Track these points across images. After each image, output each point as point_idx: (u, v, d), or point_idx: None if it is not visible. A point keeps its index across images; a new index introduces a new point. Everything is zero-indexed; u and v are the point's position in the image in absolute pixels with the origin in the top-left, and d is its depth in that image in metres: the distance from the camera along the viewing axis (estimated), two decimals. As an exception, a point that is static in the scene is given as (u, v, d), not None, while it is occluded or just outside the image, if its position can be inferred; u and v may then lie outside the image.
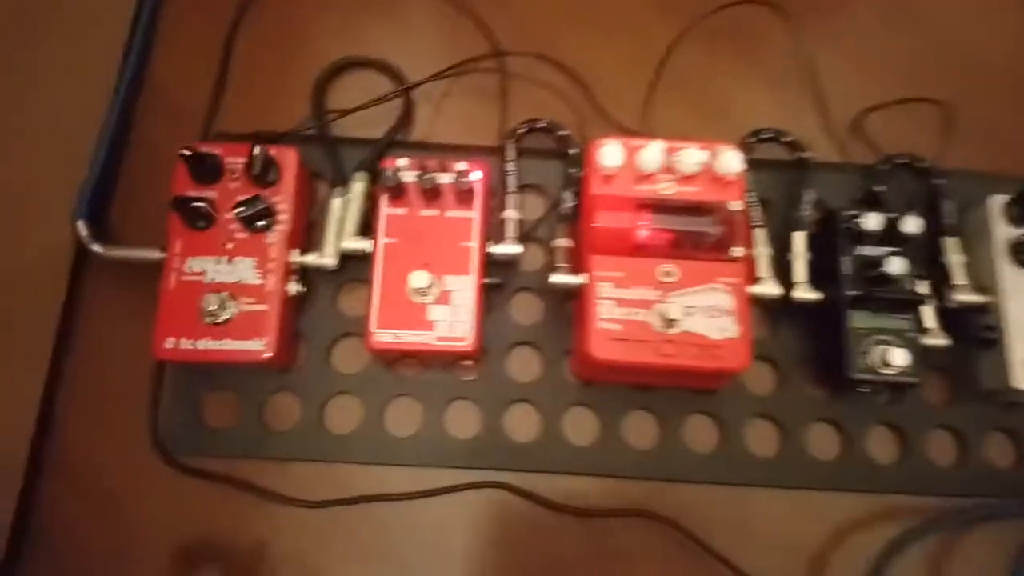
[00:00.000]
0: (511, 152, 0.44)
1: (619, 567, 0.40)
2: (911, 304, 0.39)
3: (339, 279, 0.43)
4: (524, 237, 0.43)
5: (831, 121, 0.46)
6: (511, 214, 0.42)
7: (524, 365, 0.43)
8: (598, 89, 0.47)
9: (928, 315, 0.40)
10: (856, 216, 0.39)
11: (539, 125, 0.45)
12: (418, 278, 0.38)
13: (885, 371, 0.38)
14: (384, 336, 0.39)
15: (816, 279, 0.40)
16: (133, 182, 0.45)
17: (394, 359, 0.42)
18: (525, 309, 0.44)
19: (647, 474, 0.41)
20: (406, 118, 0.47)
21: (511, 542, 0.40)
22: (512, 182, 0.43)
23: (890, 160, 0.44)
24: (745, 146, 0.43)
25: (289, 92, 0.46)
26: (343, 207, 0.43)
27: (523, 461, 0.41)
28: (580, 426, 0.42)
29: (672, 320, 0.37)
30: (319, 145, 0.45)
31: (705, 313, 0.37)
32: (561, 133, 0.44)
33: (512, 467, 0.41)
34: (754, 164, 0.43)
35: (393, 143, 0.45)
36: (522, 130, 0.44)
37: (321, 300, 0.43)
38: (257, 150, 0.41)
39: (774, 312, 0.43)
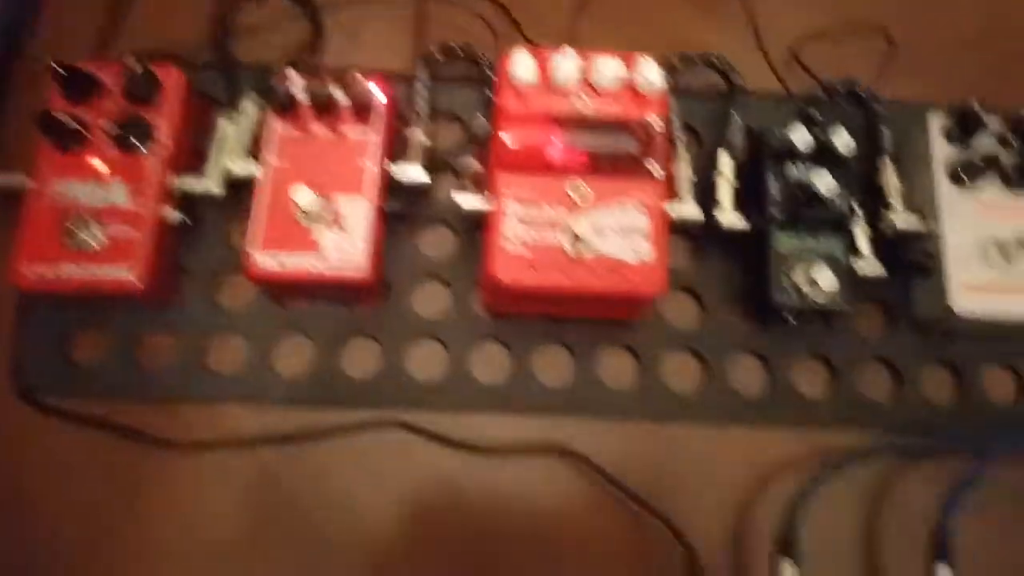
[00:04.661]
0: (422, 71, 0.40)
1: (528, 507, 0.37)
2: (841, 226, 0.36)
3: (229, 211, 0.39)
4: (435, 166, 0.39)
5: (767, 49, 0.43)
6: (416, 135, 0.38)
7: (431, 300, 0.39)
8: (520, 13, 0.43)
9: (862, 241, 0.37)
10: (784, 134, 0.36)
11: (454, 46, 0.41)
12: (303, 194, 0.34)
13: (811, 295, 0.35)
14: (266, 261, 0.35)
15: (745, 208, 0.38)
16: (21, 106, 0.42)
17: (283, 293, 0.38)
18: (436, 242, 0.40)
19: (561, 411, 0.38)
20: (314, 41, 0.43)
21: (412, 485, 0.37)
22: (422, 104, 0.39)
23: (827, 89, 0.41)
24: (671, 68, 0.40)
25: (193, 14, 0.43)
26: (230, 130, 0.39)
27: (428, 400, 0.38)
28: (490, 363, 0.39)
29: (581, 239, 0.34)
30: (218, 69, 0.41)
31: (619, 234, 0.34)
32: (478, 57, 0.41)
33: (415, 406, 0.38)
34: (684, 93, 0.40)
35: (297, 67, 0.41)
36: (436, 53, 0.41)
37: (209, 233, 0.39)
38: (132, 64, 0.37)
39: (699, 242, 0.40)
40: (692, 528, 0.35)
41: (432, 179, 0.39)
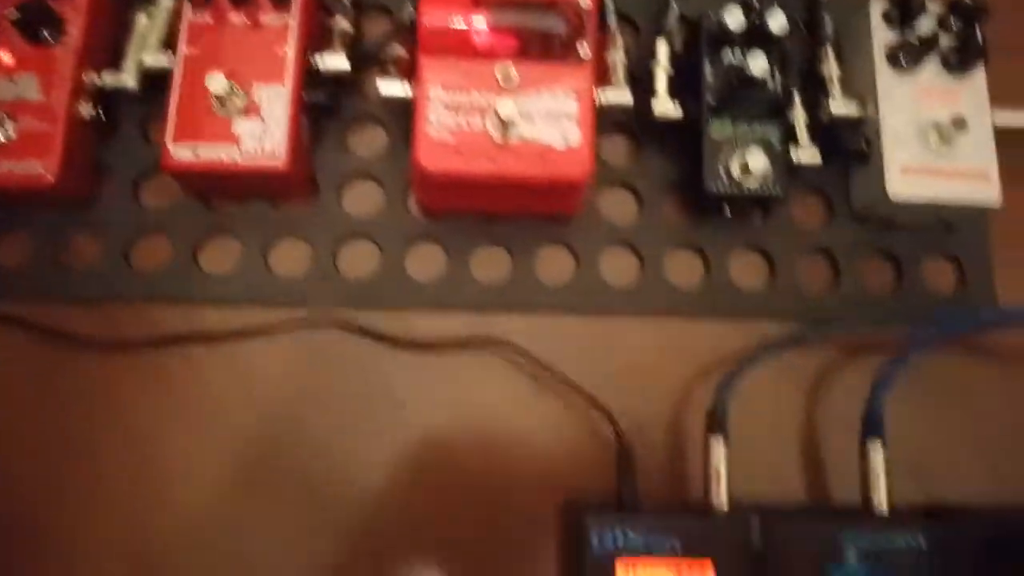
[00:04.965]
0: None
1: (462, 397, 0.36)
2: (777, 112, 0.35)
3: (154, 108, 0.37)
4: (364, 59, 0.38)
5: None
6: (340, 23, 0.37)
7: (363, 200, 0.38)
8: None
9: (800, 128, 0.36)
10: (718, 17, 0.35)
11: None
12: (215, 81, 0.33)
13: (743, 181, 0.35)
14: (181, 153, 0.34)
15: (682, 97, 0.36)
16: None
17: (202, 188, 0.37)
18: (367, 141, 0.39)
19: (497, 308, 0.37)
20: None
21: (348, 383, 0.36)
22: (346, -13, 0.38)
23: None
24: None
25: None
26: (147, 23, 0.37)
27: (361, 299, 0.37)
28: (425, 262, 0.38)
29: (508, 123, 0.32)
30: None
31: (547, 119, 0.33)
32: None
33: (347, 304, 0.37)
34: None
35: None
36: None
37: (128, 130, 0.38)
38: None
39: (638, 137, 0.39)
40: (629, 417, 0.35)
41: (362, 74, 0.38)
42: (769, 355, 0.35)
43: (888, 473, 0.33)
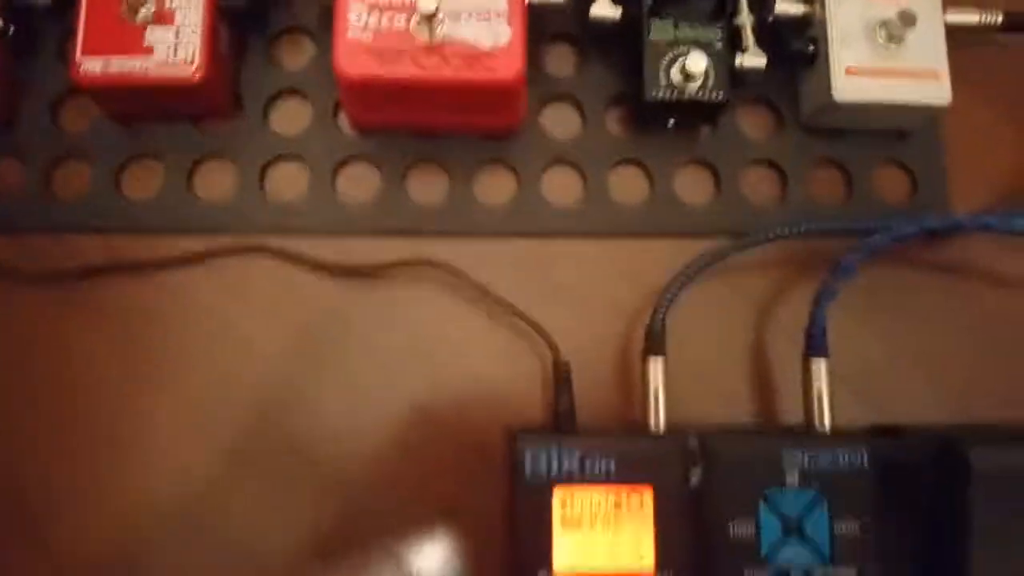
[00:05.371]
0: None
1: (402, 323, 0.35)
2: (719, 10, 0.34)
3: (68, 24, 0.36)
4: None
5: None
6: (259, -72, 0.35)
7: (292, 118, 0.36)
8: None
9: (745, 31, 0.35)
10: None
11: None
12: (122, -14, 0.31)
13: (685, 87, 0.33)
14: (91, 66, 0.32)
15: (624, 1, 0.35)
16: None
17: (118, 105, 0.35)
18: (295, 54, 0.37)
19: (435, 231, 0.36)
20: None
21: (277, 309, 0.35)
22: None
23: None
24: None
25: None
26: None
27: (290, 223, 0.35)
28: (358, 182, 0.36)
29: (433, 24, 0.31)
30: None
31: (475, 18, 0.32)
32: None
33: (277, 230, 0.35)
34: None
35: None
36: None
37: (47, 48, 0.36)
38: None
39: (581, 47, 0.37)
40: (570, 339, 0.34)
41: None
42: (708, 266, 0.33)
43: (831, 391, 0.31)
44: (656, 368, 0.32)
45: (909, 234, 0.32)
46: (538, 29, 0.35)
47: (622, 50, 0.36)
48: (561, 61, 0.38)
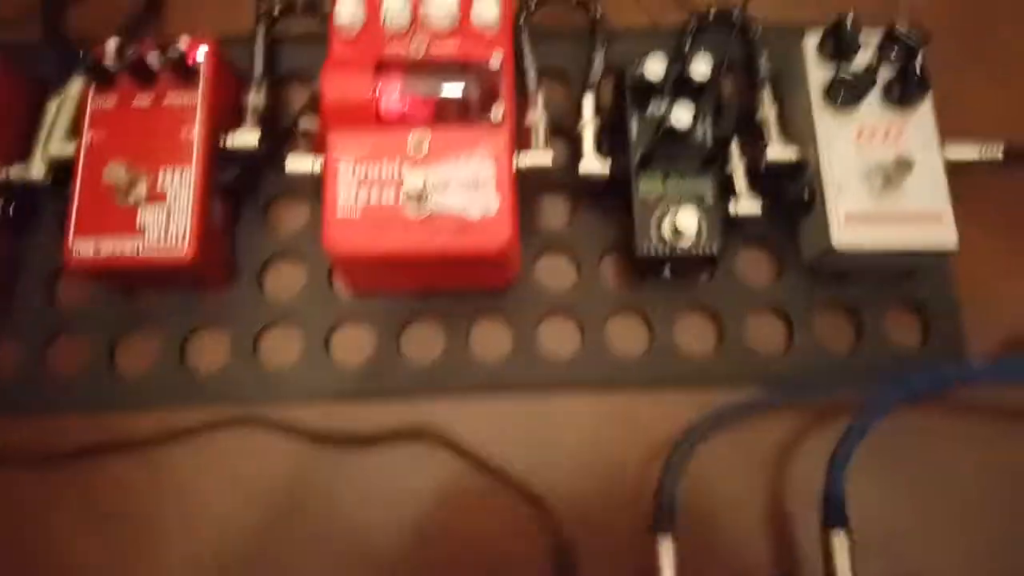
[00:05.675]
0: (260, 30, 0.37)
1: (393, 493, 0.34)
2: (709, 164, 0.33)
3: (65, 200, 0.36)
4: (283, 133, 0.37)
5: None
6: (251, 99, 0.36)
7: (286, 282, 0.36)
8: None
9: (738, 178, 0.34)
10: (638, 68, 0.33)
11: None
12: (113, 170, 0.31)
13: (677, 242, 0.32)
14: (83, 248, 0.32)
15: (613, 154, 0.35)
16: None
17: (111, 282, 0.35)
18: (291, 220, 0.37)
19: (431, 391, 0.35)
20: (151, 9, 0.40)
21: (271, 485, 0.34)
22: (258, 63, 0.37)
23: (699, 17, 0.38)
24: (526, 5, 0.37)
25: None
26: (56, 111, 0.36)
27: (284, 392, 0.35)
28: (351, 345, 0.36)
29: (419, 197, 0.30)
30: (44, 47, 0.38)
31: (462, 188, 0.31)
32: (316, 8, 0.38)
33: (271, 399, 0.35)
34: (547, 33, 0.37)
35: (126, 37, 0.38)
36: (276, 8, 0.38)
37: (44, 225, 0.37)
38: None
39: (575, 200, 0.37)
40: (570, 508, 0.32)
41: (281, 148, 0.37)
42: (718, 428, 0.32)
43: (852, 558, 0.29)
44: (666, 549, 0.30)
45: (919, 393, 0.31)
46: (530, 186, 0.35)
47: (614, 200, 0.35)
48: (554, 213, 0.37)
